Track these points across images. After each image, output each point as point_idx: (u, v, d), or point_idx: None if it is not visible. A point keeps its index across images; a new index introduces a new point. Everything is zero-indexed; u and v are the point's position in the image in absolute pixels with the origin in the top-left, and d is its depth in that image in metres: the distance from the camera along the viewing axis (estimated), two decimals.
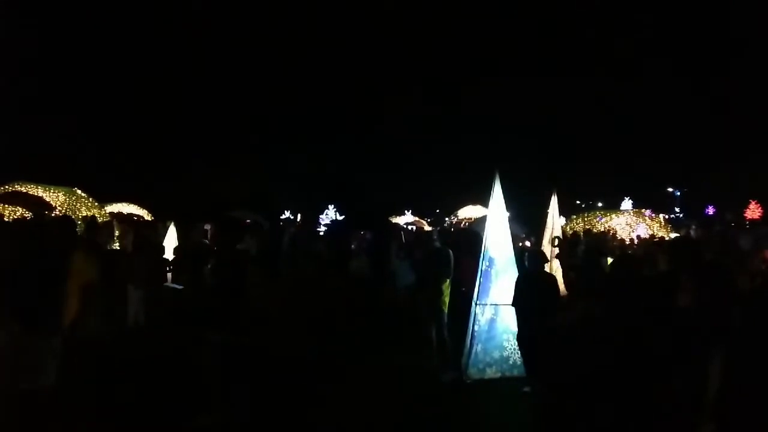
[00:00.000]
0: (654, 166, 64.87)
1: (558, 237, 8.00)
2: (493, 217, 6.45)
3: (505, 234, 6.43)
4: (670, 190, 62.12)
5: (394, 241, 10.43)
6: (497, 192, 6.47)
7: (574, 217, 24.21)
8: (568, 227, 22.38)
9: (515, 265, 6.36)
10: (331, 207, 53.63)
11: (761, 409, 2.10)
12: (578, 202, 54.06)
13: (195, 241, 12.18)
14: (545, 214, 11.88)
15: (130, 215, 24.06)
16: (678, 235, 20.59)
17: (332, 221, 41.87)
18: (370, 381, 6.09)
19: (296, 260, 15.05)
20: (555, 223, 11.98)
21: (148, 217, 24.87)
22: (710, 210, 53.86)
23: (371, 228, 15.54)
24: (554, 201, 11.84)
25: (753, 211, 50.39)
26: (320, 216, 48.71)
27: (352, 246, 13.43)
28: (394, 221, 31.21)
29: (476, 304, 6.22)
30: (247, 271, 5.04)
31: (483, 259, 6.28)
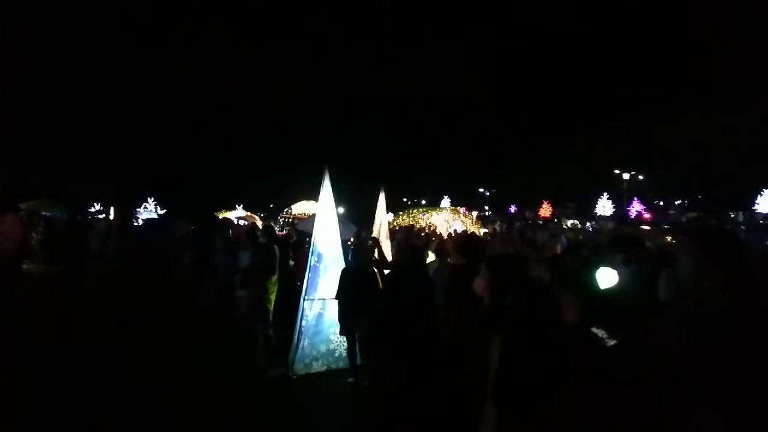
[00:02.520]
0: (469, 168, 72.27)
1: (374, 236, 8.43)
2: (322, 213, 6.52)
3: (333, 229, 6.53)
4: (481, 190, 69.72)
5: (219, 235, 9.91)
6: (327, 188, 6.55)
7: (401, 213, 25.81)
8: (395, 223, 23.75)
9: (343, 260, 6.51)
10: (150, 200, 49.19)
11: (532, 391, 2.28)
12: (405, 199, 57.68)
13: None
14: (374, 211, 12.41)
15: None
16: (486, 230, 23.20)
17: (160, 216, 38.44)
18: (191, 382, 5.73)
19: (107, 257, 13.53)
20: (383, 219, 12.59)
21: None
22: (513, 208, 61.71)
23: (194, 222, 14.56)
24: (382, 198, 12.42)
25: (545, 210, 59.07)
26: (138, 210, 44.39)
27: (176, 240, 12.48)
28: (223, 216, 29.78)
29: (305, 299, 6.23)
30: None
31: (312, 255, 6.32)
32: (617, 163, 51.91)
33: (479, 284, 3.04)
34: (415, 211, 25.55)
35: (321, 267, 6.33)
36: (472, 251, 4.16)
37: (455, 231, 19.79)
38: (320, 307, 6.30)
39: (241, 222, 24.04)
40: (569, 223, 42.81)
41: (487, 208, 64.30)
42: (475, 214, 42.30)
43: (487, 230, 23.48)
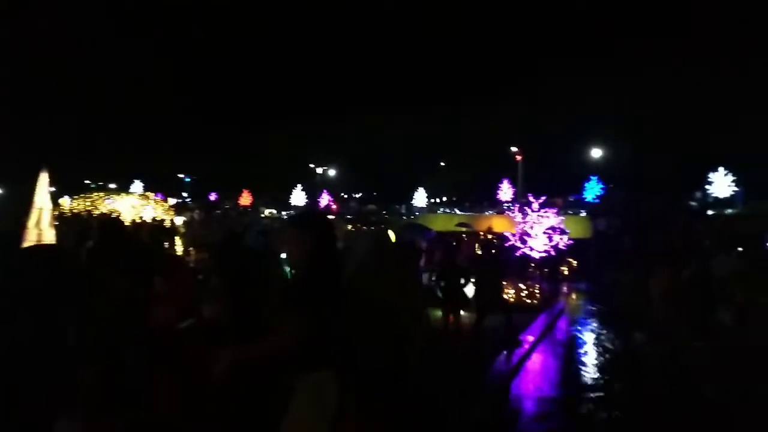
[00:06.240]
0: (169, 152, 68.00)
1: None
2: None
3: None
4: (181, 176, 66.28)
5: None
6: None
7: (77, 197, 22.80)
8: (70, 207, 20.75)
9: None
10: None
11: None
12: (87, 181, 50.66)
13: None
14: (32, 194, 10.64)
15: None
16: (183, 218, 22.25)
17: None
18: None
19: None
20: (44, 205, 10.86)
21: None
22: (213, 196, 60.49)
23: None
24: (44, 180, 10.70)
25: (245, 199, 59.86)
26: None
27: None
28: None
29: None
30: None
31: None
32: (312, 158, 58.18)
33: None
34: (95, 195, 22.74)
35: None
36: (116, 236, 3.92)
37: (141, 218, 18.46)
38: None
39: None
40: (267, 211, 44.74)
41: (185, 195, 61.56)
42: (173, 201, 39.87)
43: (184, 218, 22.48)
